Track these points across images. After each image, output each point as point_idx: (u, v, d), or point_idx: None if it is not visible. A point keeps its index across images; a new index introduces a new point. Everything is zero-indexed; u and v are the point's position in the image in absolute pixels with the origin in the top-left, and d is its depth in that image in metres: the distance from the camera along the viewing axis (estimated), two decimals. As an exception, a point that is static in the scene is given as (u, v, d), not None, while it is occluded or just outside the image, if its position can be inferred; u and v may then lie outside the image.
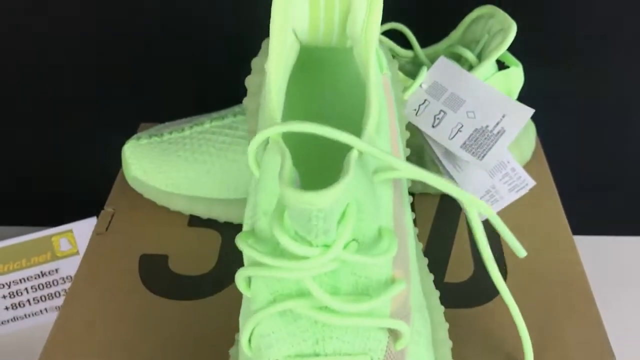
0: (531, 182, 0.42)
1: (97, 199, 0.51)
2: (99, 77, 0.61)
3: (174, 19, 0.57)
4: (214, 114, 0.48)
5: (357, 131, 0.32)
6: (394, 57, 0.49)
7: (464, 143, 0.42)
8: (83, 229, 0.58)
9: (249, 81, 0.36)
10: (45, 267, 0.59)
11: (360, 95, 0.33)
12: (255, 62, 0.36)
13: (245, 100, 0.39)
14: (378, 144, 0.31)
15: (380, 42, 0.37)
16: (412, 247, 0.33)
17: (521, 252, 0.32)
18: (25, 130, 0.64)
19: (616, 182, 0.64)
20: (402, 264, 0.31)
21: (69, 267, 0.59)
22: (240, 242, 0.29)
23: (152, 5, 0.57)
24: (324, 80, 0.38)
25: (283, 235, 0.27)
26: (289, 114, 0.36)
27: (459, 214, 0.49)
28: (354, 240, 0.29)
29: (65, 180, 0.66)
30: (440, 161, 0.44)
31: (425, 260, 0.36)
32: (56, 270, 0.59)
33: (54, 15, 0.57)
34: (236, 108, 0.48)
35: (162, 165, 0.46)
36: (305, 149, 0.35)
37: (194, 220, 0.47)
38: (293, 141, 0.37)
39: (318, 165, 0.35)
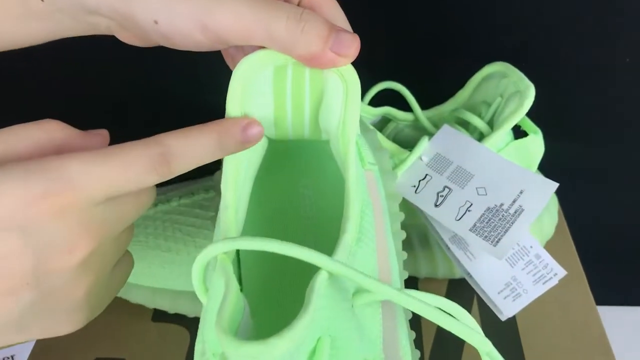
0: (561, 272, 0.35)
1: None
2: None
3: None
4: (184, 188, 0.42)
5: (338, 233, 0.26)
6: (390, 120, 0.43)
7: (474, 225, 0.35)
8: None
9: (217, 178, 0.30)
10: (0, 354, 0.52)
11: (341, 188, 0.27)
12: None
13: (217, 175, 0.33)
14: (358, 257, 0.25)
15: (367, 127, 0.31)
16: (411, 383, 0.26)
17: None
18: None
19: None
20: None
21: (26, 352, 0.52)
22: None
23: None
24: (301, 172, 0.32)
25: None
26: (260, 212, 0.31)
27: (472, 300, 0.41)
28: (331, 382, 0.22)
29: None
30: (447, 247, 0.37)
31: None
32: (12, 357, 0.53)
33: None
34: (209, 181, 0.42)
35: (120, 253, 0.39)
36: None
37: (159, 315, 0.41)
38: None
39: (294, 273, 0.29)
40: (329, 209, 0.32)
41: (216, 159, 0.25)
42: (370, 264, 0.27)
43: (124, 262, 0.27)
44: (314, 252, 0.23)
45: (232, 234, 0.26)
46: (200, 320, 0.26)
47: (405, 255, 0.31)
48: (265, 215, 0.32)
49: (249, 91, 0.27)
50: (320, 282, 0.22)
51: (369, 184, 0.29)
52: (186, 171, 0.24)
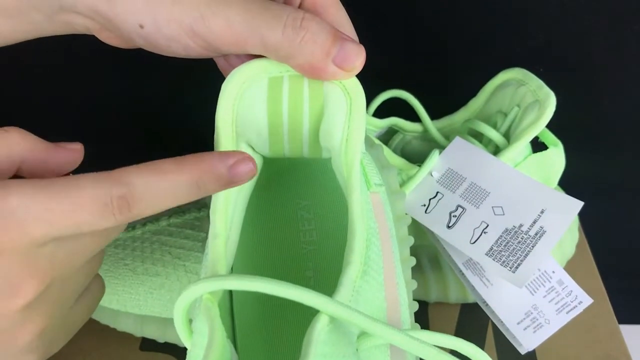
0: (587, 300, 0.32)
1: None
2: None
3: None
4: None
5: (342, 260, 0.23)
6: (397, 131, 0.40)
7: (491, 249, 0.32)
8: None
9: (208, 199, 0.28)
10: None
11: (345, 209, 0.24)
12: None
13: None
14: (363, 293, 0.23)
15: (372, 142, 0.28)
16: None
17: None
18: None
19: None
20: None
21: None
22: None
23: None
24: (299, 191, 0.30)
25: None
26: (254, 239, 0.29)
27: (487, 327, 0.38)
28: None
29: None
30: (461, 272, 0.33)
31: None
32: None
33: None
34: (202, 198, 0.39)
35: (105, 278, 0.36)
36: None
37: (147, 344, 0.38)
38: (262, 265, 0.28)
39: (295, 307, 0.26)
40: (332, 232, 0.29)
41: (193, 200, 0.22)
42: (378, 300, 0.24)
43: (90, 291, 0.24)
44: (312, 293, 0.20)
45: (221, 267, 0.23)
46: None
47: (415, 284, 0.28)
48: (260, 242, 0.29)
49: (241, 105, 0.24)
50: (319, 328, 0.20)
51: (376, 208, 0.26)
52: (153, 214, 0.21)
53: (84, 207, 0.19)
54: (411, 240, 0.28)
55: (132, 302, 0.36)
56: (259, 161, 0.26)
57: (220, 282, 0.20)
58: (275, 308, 0.27)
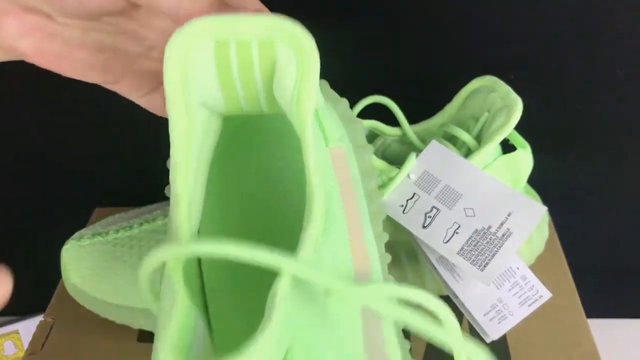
0: (546, 294, 0.35)
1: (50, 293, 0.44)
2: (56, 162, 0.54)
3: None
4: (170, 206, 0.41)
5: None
6: (377, 135, 0.42)
7: (462, 248, 0.34)
8: (31, 328, 0.51)
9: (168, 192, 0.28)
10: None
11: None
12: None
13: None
14: (325, 251, 0.23)
15: (337, 98, 0.29)
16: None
17: None
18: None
19: (629, 266, 0.55)
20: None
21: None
22: None
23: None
24: (263, 150, 0.29)
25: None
26: (218, 201, 0.28)
27: (462, 317, 0.41)
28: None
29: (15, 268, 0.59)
30: (434, 267, 0.36)
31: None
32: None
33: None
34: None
35: (105, 274, 0.39)
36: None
37: (145, 335, 0.40)
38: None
39: (264, 271, 0.27)
40: (295, 188, 0.29)
41: None
42: (342, 256, 0.24)
43: None
44: (271, 253, 0.20)
45: (184, 231, 0.22)
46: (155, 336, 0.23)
47: (387, 236, 0.27)
48: (225, 202, 0.28)
49: (189, 67, 0.22)
50: (282, 288, 0.20)
51: (336, 163, 0.26)
52: None
53: None
54: (380, 195, 0.28)
55: (131, 297, 0.39)
56: (218, 120, 0.26)
57: (180, 248, 0.20)
58: (244, 270, 0.27)
